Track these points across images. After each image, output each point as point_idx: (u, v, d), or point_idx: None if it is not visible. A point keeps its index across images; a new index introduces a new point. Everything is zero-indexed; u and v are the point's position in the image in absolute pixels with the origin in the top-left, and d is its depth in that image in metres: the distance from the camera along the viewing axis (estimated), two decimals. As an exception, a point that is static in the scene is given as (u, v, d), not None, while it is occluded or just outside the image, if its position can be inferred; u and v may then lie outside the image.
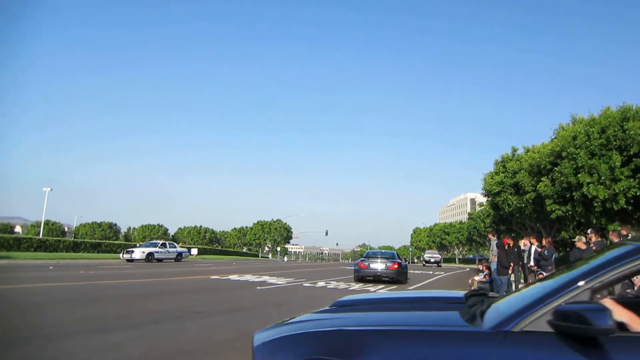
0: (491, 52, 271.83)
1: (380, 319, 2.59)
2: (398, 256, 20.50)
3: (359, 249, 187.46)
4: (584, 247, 11.33)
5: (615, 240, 11.70)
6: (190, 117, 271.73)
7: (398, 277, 19.23)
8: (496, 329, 1.92)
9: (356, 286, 16.49)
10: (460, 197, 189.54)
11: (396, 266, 19.22)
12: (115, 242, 66.37)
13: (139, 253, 32.49)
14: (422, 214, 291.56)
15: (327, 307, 3.26)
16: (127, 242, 69.11)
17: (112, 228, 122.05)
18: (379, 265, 19.29)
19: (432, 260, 57.68)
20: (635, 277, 9.31)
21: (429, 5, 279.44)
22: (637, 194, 19.80)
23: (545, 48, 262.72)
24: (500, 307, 2.08)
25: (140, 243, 49.32)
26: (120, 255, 33.64)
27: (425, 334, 2.09)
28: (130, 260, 31.69)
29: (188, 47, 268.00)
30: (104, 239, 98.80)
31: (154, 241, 42.00)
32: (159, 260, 33.82)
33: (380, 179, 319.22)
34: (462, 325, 2.11)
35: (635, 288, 9.24)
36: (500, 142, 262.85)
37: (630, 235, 13.42)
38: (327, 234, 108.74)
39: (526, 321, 1.89)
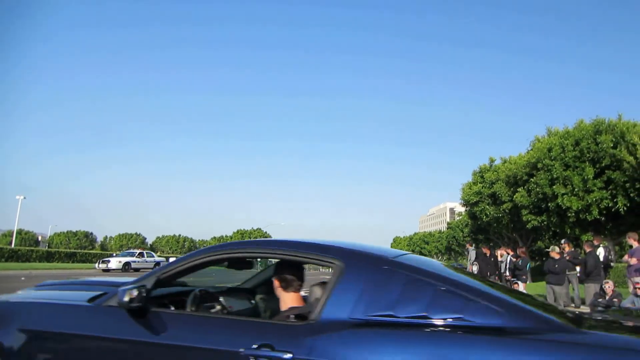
0: (472, 62, 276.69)
1: (44, 295, 3.14)
2: None
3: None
4: (557, 256, 11.54)
5: (588, 250, 11.96)
6: (169, 125, 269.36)
7: None
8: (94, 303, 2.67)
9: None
10: (440, 206, 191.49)
11: None
12: (91, 251, 65.17)
13: (115, 262, 31.92)
14: (403, 223, 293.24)
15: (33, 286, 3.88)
16: (103, 252, 67.96)
17: (88, 237, 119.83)
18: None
19: None
20: (607, 287, 9.55)
21: (404, 16, 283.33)
22: (609, 205, 20.28)
23: (524, 61, 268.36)
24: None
25: (117, 252, 48.54)
26: (96, 265, 33.01)
27: (52, 306, 2.78)
28: (107, 270, 31.11)
29: (154, 53, 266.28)
30: (80, 248, 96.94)
31: (131, 250, 41.35)
32: (136, 270, 33.24)
33: (360, 188, 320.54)
34: (81, 301, 2.75)
35: (607, 297, 9.47)
36: (479, 152, 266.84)
37: (601, 245, 13.75)
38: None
39: (113, 300, 2.55)
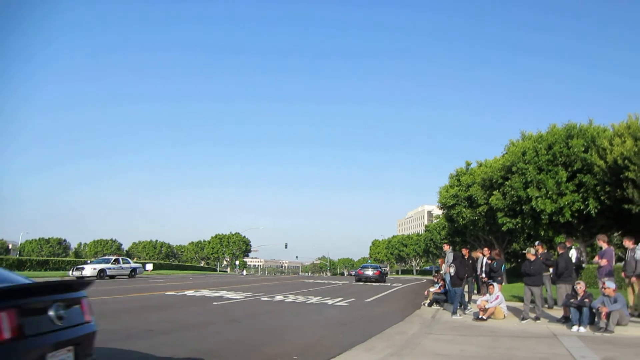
0: (449, 66, 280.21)
1: None
2: (379, 267, 36.44)
3: (318, 262, 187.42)
4: (532, 258, 11.78)
5: (560, 251, 12.23)
6: (145, 131, 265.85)
7: (380, 279, 33.72)
8: None
9: (314, 299, 16.50)
10: (417, 209, 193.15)
11: (378, 272, 34.23)
12: (65, 258, 63.43)
13: (89, 270, 31.30)
14: (381, 226, 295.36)
15: None
16: (77, 259, 66.36)
17: (62, 244, 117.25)
18: (369, 272, 34.01)
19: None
20: (578, 288, 9.78)
21: (378, 15, 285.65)
22: (581, 207, 20.73)
23: (498, 65, 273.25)
24: None
25: (92, 259, 47.56)
26: (70, 272, 32.29)
27: None
28: (81, 277, 30.49)
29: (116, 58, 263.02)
30: (53, 255, 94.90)
31: (107, 257, 40.59)
32: (112, 277, 32.70)
33: (339, 192, 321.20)
34: None
35: (579, 298, 9.69)
36: (456, 156, 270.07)
37: (573, 247, 14.07)
38: (286, 247, 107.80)
39: None
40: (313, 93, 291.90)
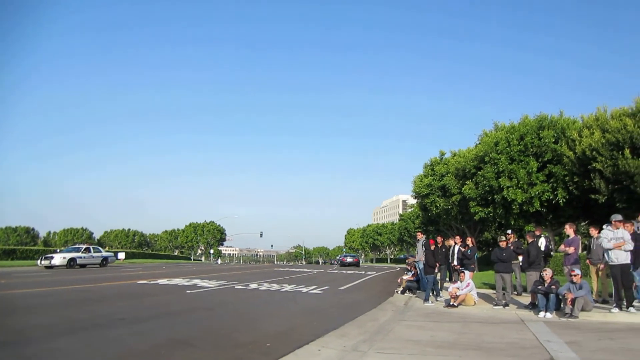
0: (424, 57, 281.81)
1: None
2: (357, 255, 62.33)
3: (293, 250, 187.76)
4: (504, 245, 12.05)
5: (530, 240, 12.51)
6: (120, 119, 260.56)
7: (357, 264, 48.13)
8: None
9: (288, 287, 16.53)
10: (392, 198, 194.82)
11: (356, 260, 49.62)
12: (33, 247, 61.87)
13: (59, 259, 30.61)
14: (356, 215, 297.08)
15: None
16: (46, 248, 64.85)
17: (30, 233, 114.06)
18: (350, 259, 48.33)
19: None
20: (545, 275, 10.03)
21: (354, 10, 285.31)
22: (550, 197, 21.26)
23: (475, 57, 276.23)
24: None
25: (62, 248, 46.58)
26: (38, 261, 31.54)
27: None
28: (50, 267, 29.85)
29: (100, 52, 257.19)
30: (20, 244, 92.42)
31: (77, 246, 39.76)
32: (82, 266, 32.10)
33: (315, 181, 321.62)
34: None
35: (546, 285, 9.95)
36: (431, 145, 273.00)
37: (542, 235, 14.42)
38: (261, 235, 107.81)
39: None
40: (287, 83, 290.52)
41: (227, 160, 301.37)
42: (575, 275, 9.71)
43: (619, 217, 10.24)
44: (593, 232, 11.86)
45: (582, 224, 25.47)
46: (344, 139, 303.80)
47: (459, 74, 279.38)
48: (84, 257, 32.64)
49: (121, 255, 51.43)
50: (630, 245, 9.78)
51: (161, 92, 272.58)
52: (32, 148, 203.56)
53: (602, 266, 11.30)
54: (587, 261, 12.06)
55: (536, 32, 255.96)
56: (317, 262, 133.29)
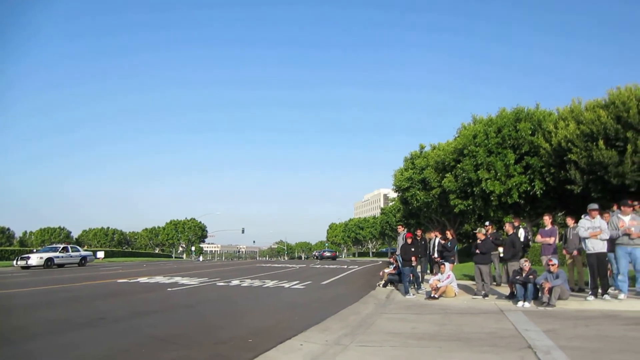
0: (404, 51, 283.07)
1: None
2: (334, 250, 76.81)
3: (276, 246, 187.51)
4: (483, 237, 12.21)
5: (511, 231, 12.71)
6: (98, 117, 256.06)
7: (334, 258, 58.95)
8: None
9: (270, 283, 16.52)
10: (374, 192, 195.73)
11: (334, 254, 62.57)
12: (9, 248, 60.55)
13: (36, 259, 30.07)
14: (338, 210, 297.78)
15: None
16: (22, 248, 63.54)
17: (5, 233, 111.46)
18: (328, 253, 60.80)
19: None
20: (524, 265, 10.21)
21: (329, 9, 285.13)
22: (528, 189, 21.57)
23: (456, 50, 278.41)
24: None
25: (38, 248, 45.72)
26: (14, 262, 30.95)
27: None
28: (26, 267, 29.31)
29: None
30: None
31: (54, 245, 39.06)
32: (60, 265, 31.58)
33: (296, 177, 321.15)
34: None
35: (524, 275, 10.13)
36: (412, 139, 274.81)
37: (521, 226, 14.66)
38: (243, 232, 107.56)
39: None
40: (266, 79, 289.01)
41: (208, 157, 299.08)
42: (552, 265, 9.90)
43: (595, 206, 10.47)
44: (570, 222, 12.12)
45: (559, 214, 25.93)
46: (324, 134, 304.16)
47: (438, 67, 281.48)
48: (62, 257, 32.11)
49: (100, 254, 50.74)
50: (606, 234, 10.01)
51: (137, 91, 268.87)
52: (7, 146, 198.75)
53: (575, 253, 11.59)
54: (564, 251, 12.31)
55: (513, 24, 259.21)
56: (300, 257, 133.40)
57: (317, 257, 63.11)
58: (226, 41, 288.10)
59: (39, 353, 5.84)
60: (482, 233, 12.45)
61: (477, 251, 11.95)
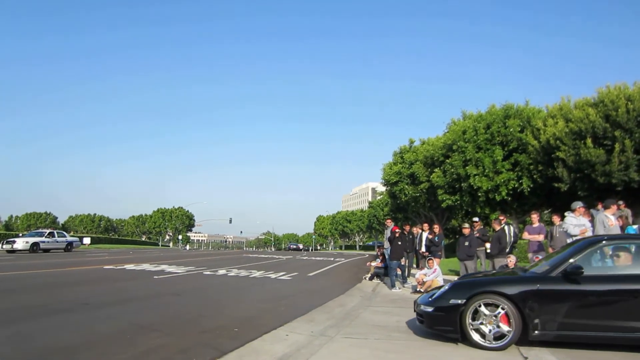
0: (399, 44, 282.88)
1: None
2: (304, 243, 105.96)
3: (263, 237, 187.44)
4: (467, 232, 12.29)
5: (497, 227, 12.79)
6: (85, 103, 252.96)
7: (299, 249, 76.54)
8: None
9: (257, 273, 16.50)
10: (362, 186, 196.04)
11: (298, 246, 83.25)
12: (-6, 231, 59.98)
13: (21, 243, 29.85)
14: (326, 203, 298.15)
15: None
16: (8, 232, 62.80)
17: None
18: (294, 246, 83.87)
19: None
20: (509, 261, 10.29)
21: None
22: (515, 186, 21.75)
23: (448, 49, 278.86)
24: None
25: (24, 233, 45.26)
26: (0, 245, 30.64)
27: None
28: (12, 252, 29.05)
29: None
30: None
31: (40, 230, 38.69)
32: (46, 250, 31.32)
33: (285, 168, 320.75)
34: None
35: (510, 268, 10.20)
36: (401, 133, 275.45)
37: (509, 223, 14.76)
38: (230, 222, 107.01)
39: None
40: (257, 70, 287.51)
41: (197, 147, 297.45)
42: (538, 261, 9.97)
43: (579, 204, 10.55)
44: (555, 219, 12.22)
45: (546, 212, 26.22)
46: (314, 125, 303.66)
47: (430, 60, 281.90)
48: (48, 242, 31.88)
49: (86, 240, 50.38)
50: (591, 233, 10.10)
51: (130, 80, 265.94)
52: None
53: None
54: (550, 249, 12.42)
55: (508, 23, 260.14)
56: (287, 249, 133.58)
57: (288, 249, 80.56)
58: (221, 34, 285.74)
59: (17, 337, 5.76)
60: (466, 228, 12.53)
61: (466, 243, 12.02)
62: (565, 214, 10.85)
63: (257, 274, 16.57)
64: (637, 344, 5.09)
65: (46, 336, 5.91)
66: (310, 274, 17.72)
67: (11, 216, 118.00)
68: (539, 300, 5.19)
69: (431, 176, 26.33)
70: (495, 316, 5.38)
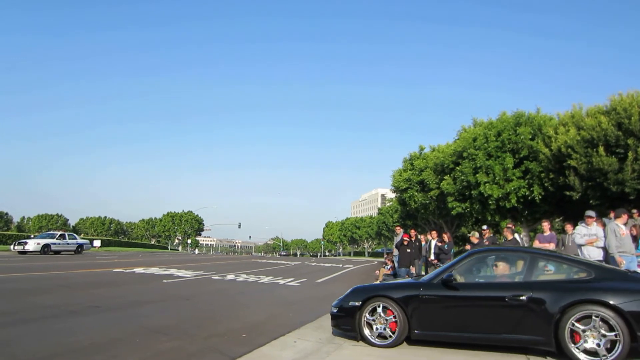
0: (411, 50, 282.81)
1: None
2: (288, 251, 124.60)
3: (272, 242, 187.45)
4: (476, 241, 12.21)
5: (510, 236, 12.71)
6: (96, 107, 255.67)
7: (287, 255, 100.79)
8: None
9: (265, 279, 16.51)
10: (371, 192, 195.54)
11: (287, 254, 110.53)
12: (6, 232, 60.56)
13: (33, 244, 30.15)
14: (335, 209, 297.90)
15: None
16: (20, 233, 63.49)
17: (3, 218, 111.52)
18: (284, 252, 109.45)
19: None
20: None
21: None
22: (526, 193, 21.59)
23: (458, 55, 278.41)
24: None
25: (36, 234, 45.71)
26: (12, 246, 31.02)
27: None
28: (23, 252, 29.35)
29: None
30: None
31: (52, 232, 39.07)
32: (57, 252, 31.60)
33: (294, 174, 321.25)
34: None
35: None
36: (411, 139, 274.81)
37: (517, 232, 14.65)
38: (239, 226, 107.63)
39: None
40: (267, 75, 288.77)
41: (207, 151, 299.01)
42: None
43: (592, 213, 10.45)
44: (568, 228, 12.10)
45: (557, 220, 25.97)
46: (324, 131, 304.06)
47: (442, 68, 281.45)
48: (59, 244, 32.17)
49: (97, 243, 50.75)
50: (602, 242, 10.00)
51: (130, 77, 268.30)
52: (6, 130, 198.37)
53: None
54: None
55: (519, 29, 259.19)
56: (295, 255, 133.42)
57: (280, 255, 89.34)
58: (224, 37, 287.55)
59: (30, 337, 5.82)
60: (475, 236, 12.44)
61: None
62: (578, 223, 10.76)
63: (265, 279, 16.58)
64: (499, 344, 5.55)
65: (57, 336, 5.96)
66: (319, 280, 17.70)
67: (23, 217, 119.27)
68: (420, 304, 5.77)
69: (441, 183, 26.22)
70: (386, 318, 5.93)
